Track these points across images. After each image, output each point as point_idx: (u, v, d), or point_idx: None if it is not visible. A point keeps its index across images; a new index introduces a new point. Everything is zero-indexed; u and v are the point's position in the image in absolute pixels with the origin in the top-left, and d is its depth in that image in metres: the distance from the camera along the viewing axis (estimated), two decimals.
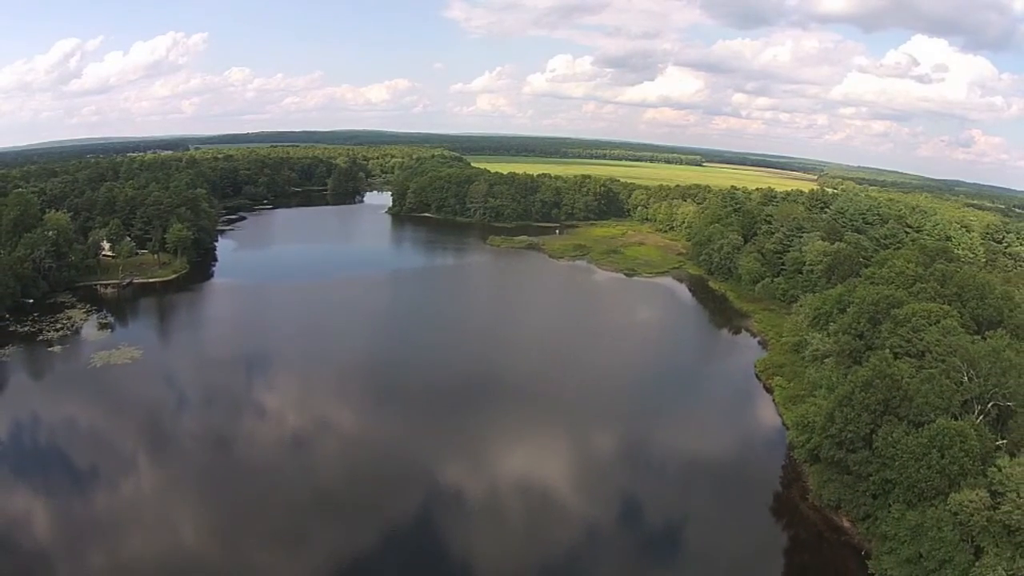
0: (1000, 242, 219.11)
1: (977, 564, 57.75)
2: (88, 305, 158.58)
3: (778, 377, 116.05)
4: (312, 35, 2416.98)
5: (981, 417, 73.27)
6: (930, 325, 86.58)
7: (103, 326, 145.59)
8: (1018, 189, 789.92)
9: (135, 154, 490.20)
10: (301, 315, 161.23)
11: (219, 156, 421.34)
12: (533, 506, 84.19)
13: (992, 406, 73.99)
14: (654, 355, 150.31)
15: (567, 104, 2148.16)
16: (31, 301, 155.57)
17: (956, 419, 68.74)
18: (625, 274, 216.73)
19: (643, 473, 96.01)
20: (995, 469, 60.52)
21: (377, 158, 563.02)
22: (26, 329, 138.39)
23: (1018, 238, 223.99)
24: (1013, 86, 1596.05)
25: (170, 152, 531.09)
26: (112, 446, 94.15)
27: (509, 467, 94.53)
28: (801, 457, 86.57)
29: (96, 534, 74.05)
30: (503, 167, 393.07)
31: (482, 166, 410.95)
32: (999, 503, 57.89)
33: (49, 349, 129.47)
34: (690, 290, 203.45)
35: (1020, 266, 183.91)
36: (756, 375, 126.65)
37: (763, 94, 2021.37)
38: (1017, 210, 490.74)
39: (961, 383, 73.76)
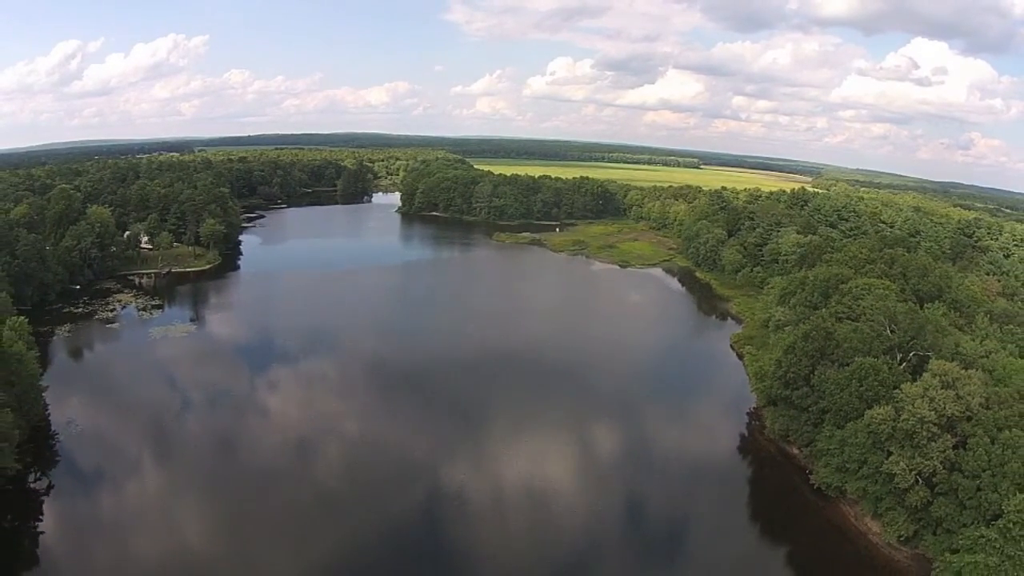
0: (971, 236, 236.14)
1: (886, 462, 75.02)
2: (133, 291, 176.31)
3: (748, 346, 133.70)
4: (312, 37, 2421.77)
5: (904, 364, 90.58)
6: (868, 295, 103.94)
7: (152, 308, 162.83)
8: (1017, 191, 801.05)
9: (152, 155, 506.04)
10: (328, 298, 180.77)
11: (233, 158, 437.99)
12: (546, 437, 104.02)
13: (913, 355, 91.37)
14: (644, 331, 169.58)
15: (567, 107, 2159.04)
16: (77, 287, 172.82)
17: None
18: (619, 265, 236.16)
19: (634, 421, 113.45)
20: (898, 391, 77.92)
21: (382, 160, 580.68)
22: (80, 310, 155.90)
23: (988, 232, 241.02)
24: (1013, 89, 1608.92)
25: (177, 154, 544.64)
26: (187, 391, 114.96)
27: (525, 413, 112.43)
28: (761, 402, 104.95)
29: (201, 441, 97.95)
30: (503, 170, 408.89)
31: (482, 168, 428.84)
32: (900, 415, 75.16)
33: (108, 326, 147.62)
34: (678, 279, 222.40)
35: (982, 256, 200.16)
36: (731, 346, 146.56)
37: (763, 97, 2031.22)
38: (1007, 210, 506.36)
39: (882, 334, 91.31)
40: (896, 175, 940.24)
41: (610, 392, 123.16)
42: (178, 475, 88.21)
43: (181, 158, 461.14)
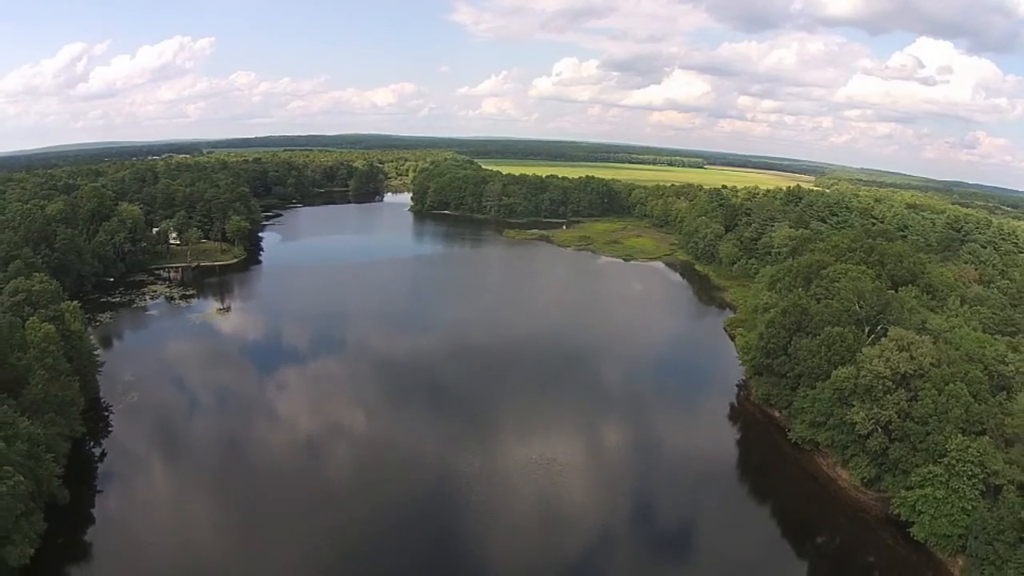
0: (959, 231, 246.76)
1: (849, 412, 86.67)
2: (164, 283, 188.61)
3: (740, 329, 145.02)
4: (318, 39, 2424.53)
5: (871, 335, 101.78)
6: (844, 278, 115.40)
7: (186, 297, 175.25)
8: (1021, 190, 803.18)
9: (166, 156, 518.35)
10: (350, 288, 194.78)
11: (248, 159, 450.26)
12: (561, 405, 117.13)
13: (880, 328, 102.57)
14: (646, 317, 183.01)
15: (573, 107, 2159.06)
16: (111, 280, 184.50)
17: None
18: (623, 259, 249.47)
19: (635, 396, 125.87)
20: (860, 354, 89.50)
21: (392, 161, 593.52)
22: (117, 300, 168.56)
23: (977, 227, 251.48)
24: (1017, 87, 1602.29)
25: (187, 156, 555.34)
26: (226, 368, 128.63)
27: (541, 385, 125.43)
28: (748, 374, 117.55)
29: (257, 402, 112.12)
30: (510, 170, 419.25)
31: (490, 169, 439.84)
32: (861, 373, 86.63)
33: (147, 313, 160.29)
34: (678, 271, 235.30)
35: (963, 247, 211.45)
36: (724, 329, 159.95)
37: (768, 97, 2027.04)
38: (1006, 208, 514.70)
39: (851, 309, 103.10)
40: (901, 174, 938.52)
41: (613, 370, 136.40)
42: (218, 440, 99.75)
43: (196, 159, 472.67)
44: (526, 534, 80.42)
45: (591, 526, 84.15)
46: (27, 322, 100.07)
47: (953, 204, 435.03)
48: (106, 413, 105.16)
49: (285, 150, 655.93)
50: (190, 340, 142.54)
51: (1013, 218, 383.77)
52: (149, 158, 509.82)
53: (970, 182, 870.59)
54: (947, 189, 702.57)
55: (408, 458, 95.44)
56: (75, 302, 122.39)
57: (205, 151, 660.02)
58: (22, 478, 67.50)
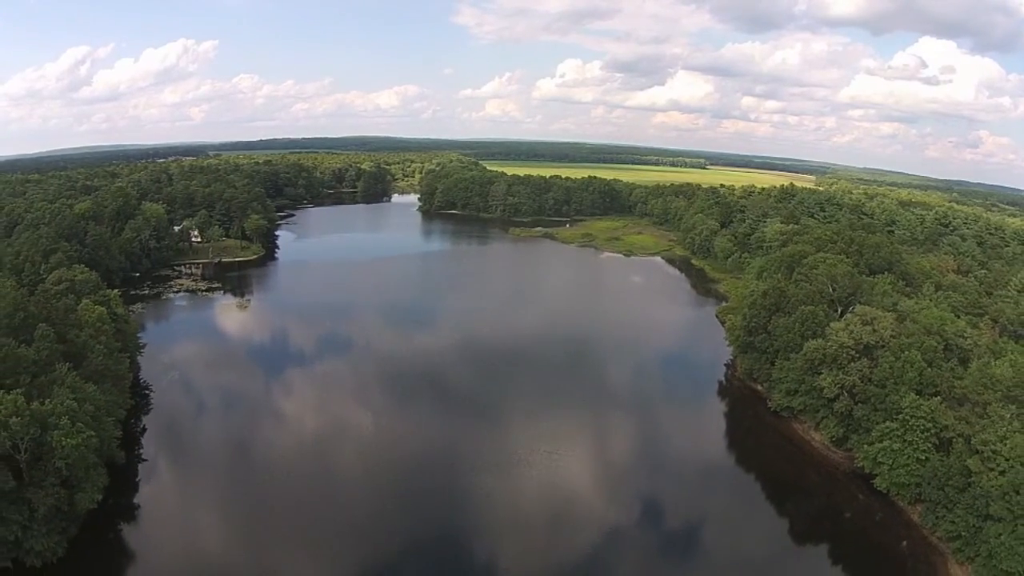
0: (947, 226, 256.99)
1: (818, 379, 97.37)
2: (189, 277, 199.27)
3: (730, 315, 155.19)
4: (321, 41, 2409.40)
5: (843, 315, 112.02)
6: (822, 265, 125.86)
7: (212, 289, 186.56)
8: (1023, 188, 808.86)
9: (178, 159, 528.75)
10: (364, 281, 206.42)
11: (259, 161, 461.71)
12: (568, 384, 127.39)
13: (852, 308, 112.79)
14: (644, 306, 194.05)
15: (576, 109, 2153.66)
16: (137, 275, 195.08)
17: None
18: (624, 255, 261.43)
19: (636, 372, 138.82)
20: (829, 328, 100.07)
21: (398, 163, 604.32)
22: (146, 293, 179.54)
23: (964, 223, 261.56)
24: (1020, 86, 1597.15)
25: (193, 158, 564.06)
26: (258, 348, 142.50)
27: (549, 365, 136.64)
28: (734, 353, 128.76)
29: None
30: (514, 171, 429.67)
31: (495, 170, 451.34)
32: (828, 344, 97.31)
33: (175, 305, 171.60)
34: (676, 266, 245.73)
35: (943, 240, 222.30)
36: (716, 316, 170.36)
37: (772, 97, 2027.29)
38: (1004, 206, 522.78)
39: (824, 291, 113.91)
40: (904, 174, 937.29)
41: (613, 355, 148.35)
42: (248, 417, 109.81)
43: (206, 162, 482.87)
44: (535, 495, 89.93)
45: (591, 487, 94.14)
46: (80, 304, 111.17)
47: (949, 202, 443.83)
48: (147, 391, 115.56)
49: (290, 152, 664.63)
50: (217, 329, 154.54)
51: (1009, 215, 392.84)
52: (155, 160, 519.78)
53: (972, 181, 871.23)
54: (948, 188, 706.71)
55: (417, 434, 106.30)
56: (115, 291, 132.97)
57: (211, 153, 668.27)
58: (92, 433, 77.95)
